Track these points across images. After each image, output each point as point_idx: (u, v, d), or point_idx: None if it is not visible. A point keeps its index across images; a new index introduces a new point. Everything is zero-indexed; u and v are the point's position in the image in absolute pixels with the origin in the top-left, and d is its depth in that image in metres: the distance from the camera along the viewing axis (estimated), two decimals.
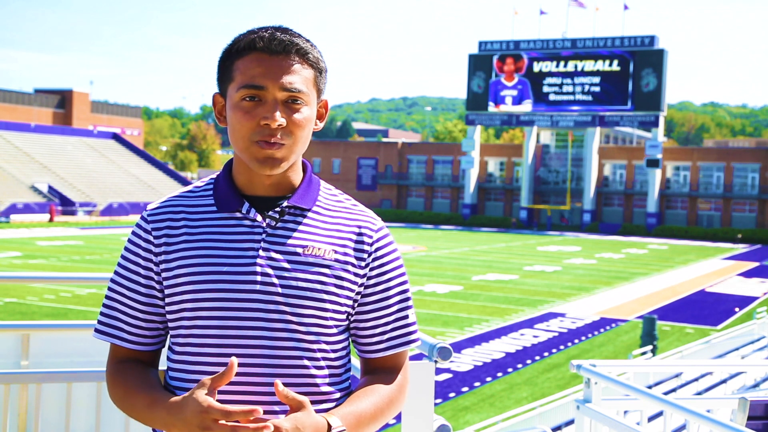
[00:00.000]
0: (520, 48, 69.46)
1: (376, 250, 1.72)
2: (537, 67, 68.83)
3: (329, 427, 1.55)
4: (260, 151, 1.62)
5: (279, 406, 1.61)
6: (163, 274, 1.66)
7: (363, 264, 1.70)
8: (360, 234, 1.71)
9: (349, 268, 1.68)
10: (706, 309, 26.24)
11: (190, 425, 1.48)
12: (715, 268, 40.41)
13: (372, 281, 1.71)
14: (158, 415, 1.56)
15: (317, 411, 1.62)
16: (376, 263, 1.72)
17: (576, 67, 67.46)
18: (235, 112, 1.64)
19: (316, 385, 1.65)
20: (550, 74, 68.39)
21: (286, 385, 1.60)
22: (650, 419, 7.11)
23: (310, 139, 1.70)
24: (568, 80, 67.74)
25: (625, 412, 4.19)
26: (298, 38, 1.66)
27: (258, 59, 1.63)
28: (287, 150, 1.64)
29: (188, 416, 1.48)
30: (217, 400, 1.53)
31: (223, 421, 1.45)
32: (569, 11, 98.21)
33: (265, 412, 1.59)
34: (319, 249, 1.66)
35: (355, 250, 1.70)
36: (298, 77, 1.64)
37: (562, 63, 68.07)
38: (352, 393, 1.70)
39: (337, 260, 1.67)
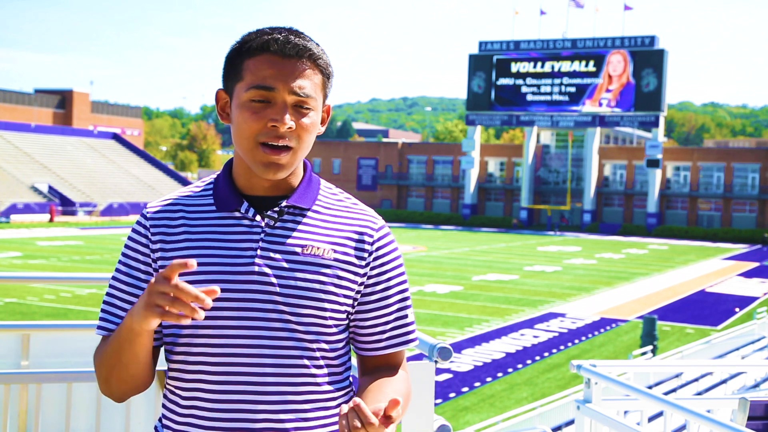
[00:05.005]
0: (520, 48, 69.46)
1: (377, 249, 1.72)
2: (537, 67, 68.83)
3: None
4: (265, 156, 1.62)
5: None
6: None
7: (363, 263, 1.69)
8: (361, 233, 1.71)
9: (349, 267, 1.67)
10: (706, 309, 26.24)
11: (141, 309, 1.45)
12: (716, 268, 40.41)
13: (372, 280, 1.71)
14: (122, 327, 1.53)
15: (319, 410, 1.64)
16: (377, 262, 1.71)
17: (576, 67, 67.45)
18: (242, 112, 1.63)
19: (317, 384, 1.65)
20: (551, 74, 68.39)
21: (286, 384, 1.60)
22: (650, 419, 7.11)
23: (312, 144, 1.70)
24: (569, 80, 67.74)
25: (626, 412, 4.18)
26: (310, 43, 1.66)
27: (270, 61, 1.62)
28: (292, 156, 1.64)
29: (141, 301, 1.45)
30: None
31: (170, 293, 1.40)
32: (569, 11, 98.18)
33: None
34: (318, 248, 1.66)
35: (355, 249, 1.69)
36: (309, 82, 1.64)
37: (562, 63, 68.05)
38: (367, 388, 1.66)
39: (336, 259, 1.66)
